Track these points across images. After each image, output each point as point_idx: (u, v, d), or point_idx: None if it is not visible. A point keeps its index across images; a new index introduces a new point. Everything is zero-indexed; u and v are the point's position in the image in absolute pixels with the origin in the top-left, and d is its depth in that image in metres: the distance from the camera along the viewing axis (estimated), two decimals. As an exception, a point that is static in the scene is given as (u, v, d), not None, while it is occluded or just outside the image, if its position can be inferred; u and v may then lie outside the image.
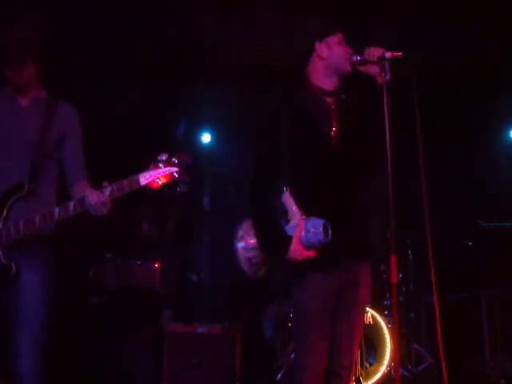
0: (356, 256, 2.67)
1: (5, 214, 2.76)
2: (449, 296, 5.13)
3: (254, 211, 2.74)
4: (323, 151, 2.67)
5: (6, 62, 2.81)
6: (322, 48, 2.77)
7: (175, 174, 2.62)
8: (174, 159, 2.63)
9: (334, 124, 2.71)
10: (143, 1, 4.83)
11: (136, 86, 5.20)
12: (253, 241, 2.73)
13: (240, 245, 2.79)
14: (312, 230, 2.47)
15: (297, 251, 2.52)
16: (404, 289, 4.96)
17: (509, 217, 5.32)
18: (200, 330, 4.68)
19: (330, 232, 2.47)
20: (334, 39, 2.76)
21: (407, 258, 5.04)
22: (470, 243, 5.38)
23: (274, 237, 2.62)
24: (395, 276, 2.40)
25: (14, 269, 2.72)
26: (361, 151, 2.67)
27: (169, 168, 2.62)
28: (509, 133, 6.29)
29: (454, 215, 5.47)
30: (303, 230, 2.49)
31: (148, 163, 2.65)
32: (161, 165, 2.63)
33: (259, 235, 2.68)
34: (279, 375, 4.54)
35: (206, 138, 6.45)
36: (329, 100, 2.76)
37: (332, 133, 2.70)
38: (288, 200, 2.59)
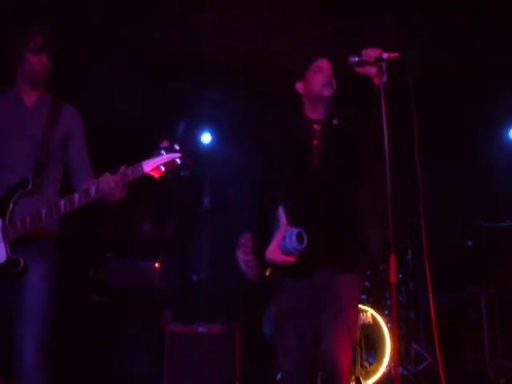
0: (333, 267, 2.79)
1: (11, 208, 2.77)
2: (448, 296, 5.13)
3: (252, 221, 3.01)
4: (304, 174, 2.88)
5: (42, 46, 2.87)
6: (299, 86, 2.98)
7: (178, 160, 2.64)
8: (175, 146, 2.65)
9: (317, 151, 2.88)
10: (143, 1, 4.83)
11: (136, 86, 5.21)
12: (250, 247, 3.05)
13: (240, 250, 3.12)
14: (287, 238, 2.71)
15: (273, 253, 2.74)
16: (404, 289, 4.97)
17: (508, 216, 5.33)
18: (200, 329, 4.69)
19: (305, 240, 2.68)
20: (310, 69, 2.94)
21: (407, 258, 5.05)
22: (470, 243, 5.38)
23: (263, 243, 2.82)
24: (394, 276, 2.42)
25: (22, 264, 2.73)
26: (345, 174, 2.84)
27: (171, 154, 2.64)
28: (509, 133, 6.30)
29: (454, 215, 5.47)
30: (282, 237, 2.73)
31: (150, 151, 2.67)
32: (163, 152, 2.65)
33: (253, 241, 2.99)
34: (279, 375, 4.54)
35: (206, 137, 6.46)
36: (316, 127, 2.93)
37: (315, 159, 2.87)
38: (281, 213, 2.82)
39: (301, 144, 2.91)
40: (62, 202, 2.75)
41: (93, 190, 2.72)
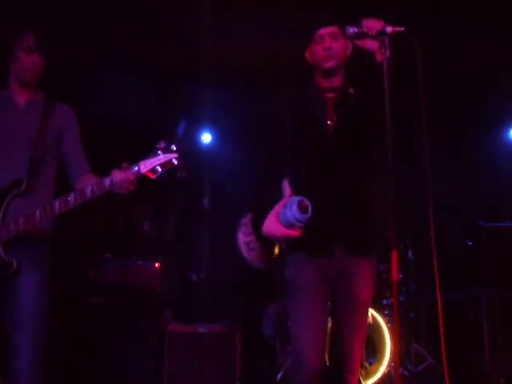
0: (351, 249, 2.61)
1: (3, 208, 2.76)
2: (448, 296, 5.13)
3: (253, 199, 2.80)
4: (319, 145, 2.65)
5: (35, 46, 2.86)
6: (307, 56, 2.78)
7: (174, 160, 2.64)
8: (172, 146, 2.65)
9: (330, 119, 2.67)
10: (143, 1, 4.83)
11: (136, 86, 5.20)
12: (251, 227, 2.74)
13: (240, 231, 2.79)
14: (288, 207, 2.43)
15: (270, 225, 2.49)
16: (404, 289, 4.96)
17: (508, 216, 5.32)
18: (200, 329, 4.69)
19: (309, 209, 2.41)
20: (314, 40, 2.73)
21: (407, 257, 5.04)
22: (470, 243, 5.37)
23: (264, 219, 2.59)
24: (396, 273, 2.26)
25: (15, 265, 2.72)
26: (360, 145, 2.63)
27: (168, 155, 2.64)
28: (509, 133, 6.29)
29: (454, 215, 5.47)
30: (282, 206, 2.47)
31: (147, 151, 2.67)
32: (159, 152, 2.65)
33: (253, 218, 2.72)
34: (279, 375, 4.54)
35: (206, 137, 6.46)
36: (329, 95, 2.72)
37: (328, 127, 2.66)
38: (285, 187, 2.59)
39: (311, 114, 2.70)
40: (57, 202, 2.74)
41: (107, 182, 2.70)
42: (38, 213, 2.73)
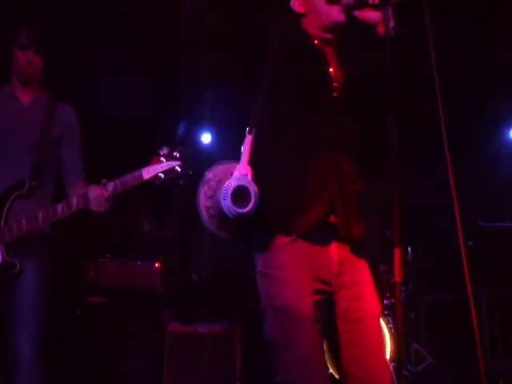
0: (348, 242, 2.04)
1: (6, 210, 2.76)
2: (448, 296, 5.13)
3: None
4: (318, 106, 2.05)
5: (27, 42, 2.85)
6: (296, 3, 2.14)
7: (177, 167, 2.63)
8: (175, 153, 2.64)
9: (334, 73, 2.08)
10: (143, 0, 4.83)
11: (136, 86, 5.20)
12: (215, 186, 2.09)
13: (202, 188, 2.17)
14: (223, 191, 1.87)
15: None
16: (403, 289, 4.97)
17: (508, 216, 5.32)
18: (200, 329, 4.68)
19: (251, 202, 1.82)
20: None
21: (407, 258, 5.04)
22: (470, 243, 5.38)
23: None
24: (400, 274, 1.85)
25: (18, 267, 2.72)
26: (365, 116, 2.07)
27: (171, 162, 2.63)
28: (509, 133, 6.29)
29: (454, 215, 5.46)
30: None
31: (150, 158, 2.66)
32: (162, 159, 2.64)
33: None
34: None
35: (206, 138, 6.46)
36: (326, 48, 2.13)
37: (333, 83, 2.07)
38: (245, 146, 1.95)
39: (308, 66, 2.06)
40: (60, 205, 2.74)
41: (77, 201, 2.72)
42: (40, 215, 2.73)
